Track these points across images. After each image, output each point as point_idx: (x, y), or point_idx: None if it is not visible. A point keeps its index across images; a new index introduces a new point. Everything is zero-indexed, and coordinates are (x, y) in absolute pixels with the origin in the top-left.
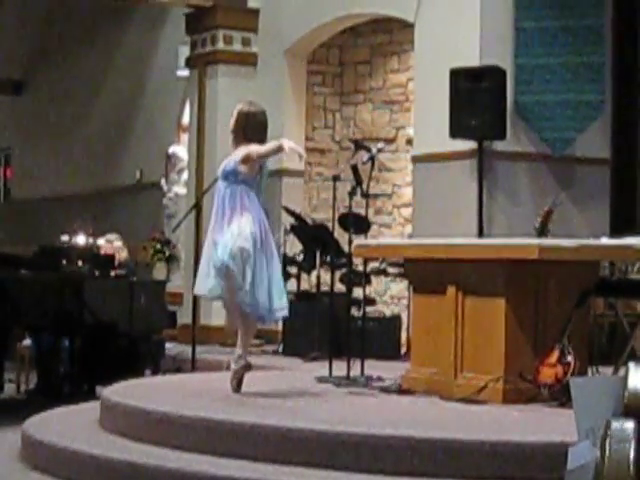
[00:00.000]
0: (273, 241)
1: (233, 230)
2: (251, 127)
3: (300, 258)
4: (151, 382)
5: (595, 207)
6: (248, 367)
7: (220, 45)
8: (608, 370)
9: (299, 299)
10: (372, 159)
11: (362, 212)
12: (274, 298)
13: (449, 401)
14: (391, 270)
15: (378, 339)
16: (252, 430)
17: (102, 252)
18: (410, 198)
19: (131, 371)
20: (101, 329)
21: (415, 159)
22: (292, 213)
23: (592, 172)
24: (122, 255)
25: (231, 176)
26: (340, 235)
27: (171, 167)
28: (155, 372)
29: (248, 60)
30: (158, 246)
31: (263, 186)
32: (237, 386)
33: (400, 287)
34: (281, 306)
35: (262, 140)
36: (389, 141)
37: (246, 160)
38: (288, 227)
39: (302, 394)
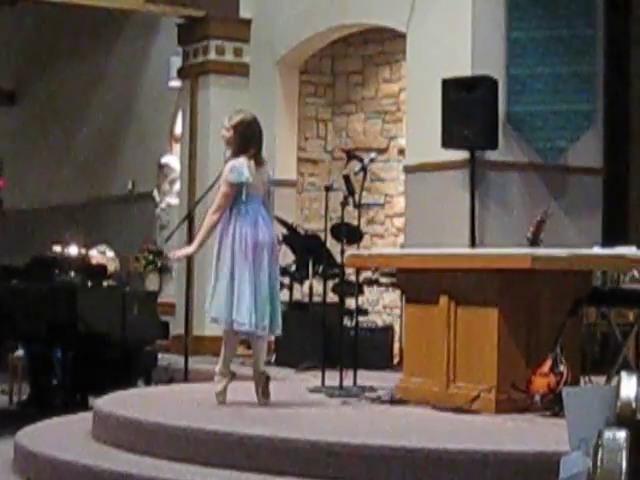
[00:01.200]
0: (267, 255)
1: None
2: (250, 137)
3: (292, 268)
4: (143, 393)
5: (587, 217)
6: (269, 377)
7: (212, 55)
8: (600, 379)
9: (291, 309)
10: (364, 169)
11: (354, 222)
12: (259, 315)
13: (442, 411)
14: (383, 280)
15: (371, 349)
16: (244, 440)
17: (93, 262)
18: (402, 208)
19: (124, 382)
20: (94, 340)
21: (407, 169)
22: (284, 223)
23: (584, 182)
24: (112, 266)
25: None
26: (332, 245)
27: (163, 177)
28: (147, 383)
29: (240, 70)
30: (150, 257)
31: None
32: (264, 396)
33: (393, 297)
34: (264, 325)
35: (259, 150)
36: (381, 151)
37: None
38: (280, 237)
39: (294, 404)
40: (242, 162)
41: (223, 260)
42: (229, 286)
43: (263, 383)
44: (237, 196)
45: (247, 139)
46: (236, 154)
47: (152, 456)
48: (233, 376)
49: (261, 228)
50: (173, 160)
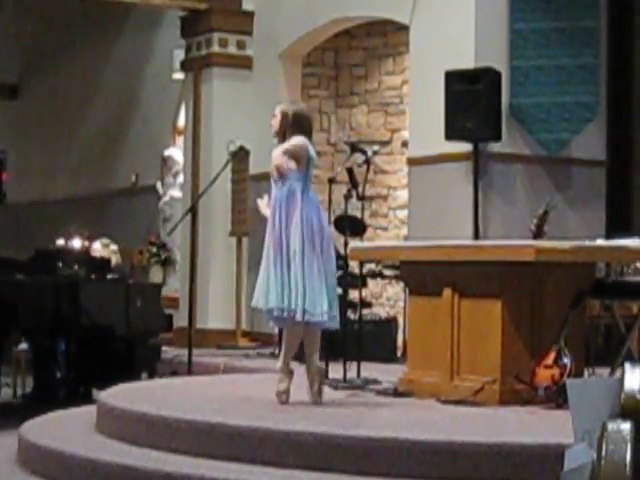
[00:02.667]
0: (330, 242)
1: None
2: (302, 124)
3: None
4: (147, 385)
5: (591, 208)
6: (325, 375)
7: (215, 48)
8: (604, 371)
9: None
10: (367, 162)
11: (358, 215)
12: (325, 302)
13: (446, 403)
14: (387, 272)
15: (374, 341)
16: (248, 433)
17: (96, 255)
18: (406, 200)
19: (127, 374)
20: (97, 332)
21: (410, 161)
22: None
23: (587, 174)
24: (113, 259)
25: (281, 176)
26: (336, 238)
27: (167, 170)
28: (151, 375)
29: (243, 63)
30: (154, 249)
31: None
32: (318, 394)
33: (396, 289)
34: (323, 312)
35: (310, 138)
36: (384, 143)
37: (291, 156)
38: None
39: (298, 397)
40: (305, 140)
41: (290, 249)
42: (303, 276)
43: (319, 380)
44: (303, 177)
45: (298, 124)
46: (281, 143)
47: (156, 449)
48: (292, 374)
49: (323, 215)
50: (176, 153)
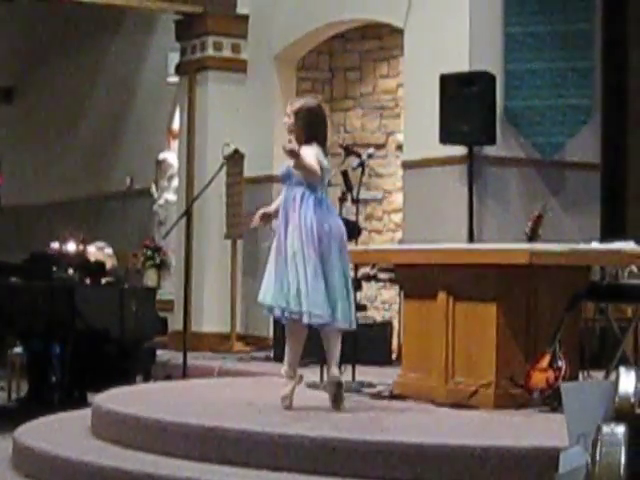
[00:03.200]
0: (334, 244)
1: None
2: (315, 123)
3: None
4: (142, 389)
5: (585, 212)
6: (340, 383)
7: (210, 51)
8: (599, 375)
9: None
10: (362, 165)
11: (352, 218)
12: (332, 306)
13: (440, 406)
14: (382, 276)
15: (369, 345)
16: (243, 436)
17: (91, 259)
18: (400, 204)
19: (122, 378)
20: (92, 336)
21: (405, 165)
22: None
23: (582, 177)
24: (109, 263)
25: (287, 179)
26: None
27: (161, 174)
28: (146, 379)
29: (238, 66)
30: (149, 253)
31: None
32: (335, 404)
33: (391, 293)
34: (321, 313)
35: (325, 137)
36: (379, 147)
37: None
38: None
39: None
40: (318, 149)
41: (289, 251)
42: (301, 276)
43: (335, 389)
44: (305, 183)
45: (311, 125)
46: (304, 142)
47: (151, 452)
48: (300, 379)
49: (328, 218)
50: (171, 156)
